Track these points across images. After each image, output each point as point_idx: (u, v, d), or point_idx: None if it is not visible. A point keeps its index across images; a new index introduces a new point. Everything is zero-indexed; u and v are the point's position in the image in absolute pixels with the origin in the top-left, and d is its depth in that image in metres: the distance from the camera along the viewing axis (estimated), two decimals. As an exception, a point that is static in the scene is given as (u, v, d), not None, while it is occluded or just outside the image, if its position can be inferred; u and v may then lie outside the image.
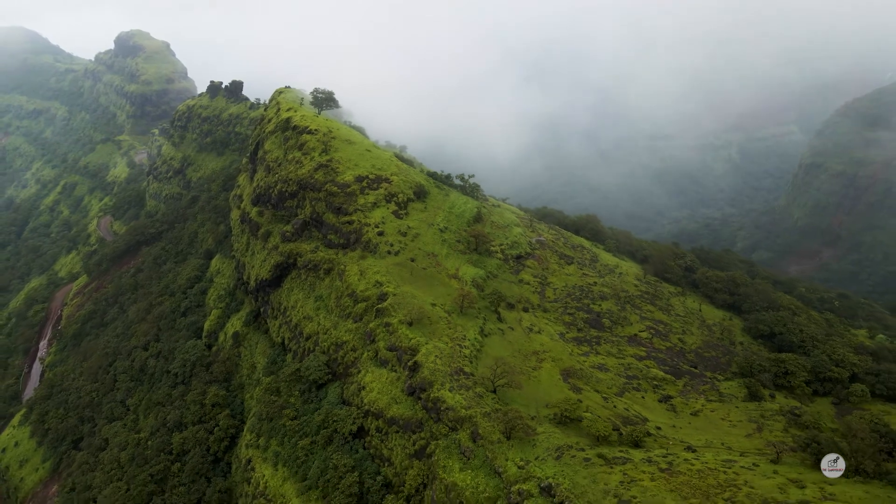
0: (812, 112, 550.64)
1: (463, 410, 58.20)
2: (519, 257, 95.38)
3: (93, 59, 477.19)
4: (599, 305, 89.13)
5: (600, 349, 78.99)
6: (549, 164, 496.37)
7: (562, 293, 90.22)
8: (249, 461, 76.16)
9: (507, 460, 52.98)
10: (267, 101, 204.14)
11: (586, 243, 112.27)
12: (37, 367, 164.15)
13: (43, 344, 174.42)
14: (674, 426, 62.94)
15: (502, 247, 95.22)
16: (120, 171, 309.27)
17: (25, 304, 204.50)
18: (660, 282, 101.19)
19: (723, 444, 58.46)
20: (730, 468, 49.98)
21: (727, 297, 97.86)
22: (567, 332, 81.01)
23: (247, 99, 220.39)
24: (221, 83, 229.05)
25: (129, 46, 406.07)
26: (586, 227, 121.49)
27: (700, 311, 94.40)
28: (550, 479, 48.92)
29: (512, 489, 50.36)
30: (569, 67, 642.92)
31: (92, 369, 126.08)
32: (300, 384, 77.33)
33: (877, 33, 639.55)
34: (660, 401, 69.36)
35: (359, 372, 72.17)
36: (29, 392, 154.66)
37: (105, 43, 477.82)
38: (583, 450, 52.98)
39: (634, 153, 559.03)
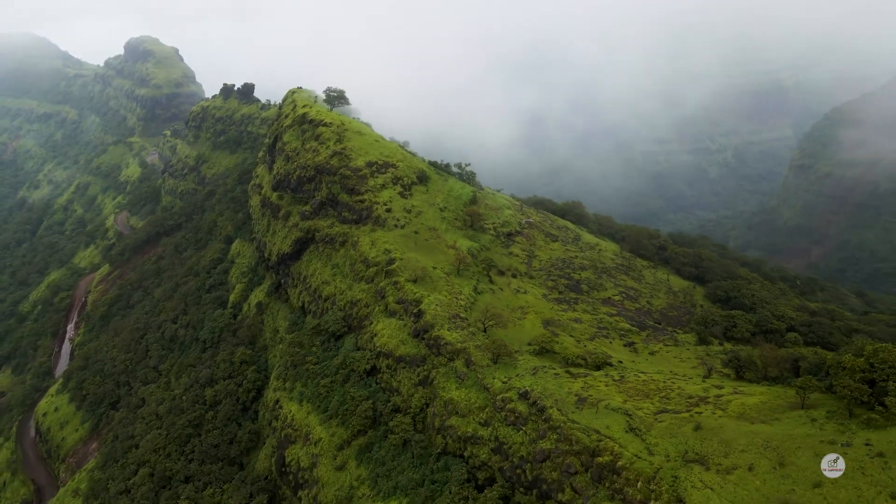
0: (807, 116, 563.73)
1: (459, 344, 71.31)
2: (509, 234, 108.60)
3: (102, 65, 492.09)
4: (579, 274, 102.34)
5: (577, 307, 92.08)
6: (547, 166, 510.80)
7: (546, 264, 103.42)
8: (277, 401, 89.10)
9: (493, 378, 66.07)
10: (276, 102, 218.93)
11: (571, 225, 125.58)
12: (66, 347, 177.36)
13: (70, 327, 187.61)
14: (633, 361, 75.97)
15: (495, 225, 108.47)
16: (132, 170, 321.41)
17: (51, 291, 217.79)
18: (634, 257, 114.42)
19: (671, 371, 71.48)
20: (668, 380, 63.11)
21: (693, 270, 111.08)
22: (549, 294, 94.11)
23: (258, 100, 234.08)
24: (234, 85, 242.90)
25: (139, 52, 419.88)
26: (571, 212, 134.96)
27: (668, 280, 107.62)
28: (527, 388, 62.03)
29: (497, 398, 63.48)
30: (558, 70, 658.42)
31: (124, 342, 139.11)
32: (320, 336, 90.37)
33: (868, 38, 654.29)
34: (624, 345, 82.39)
35: (371, 323, 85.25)
36: (60, 369, 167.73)
37: (109, 49, 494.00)
38: (554, 369, 66.13)
39: (630, 157, 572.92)
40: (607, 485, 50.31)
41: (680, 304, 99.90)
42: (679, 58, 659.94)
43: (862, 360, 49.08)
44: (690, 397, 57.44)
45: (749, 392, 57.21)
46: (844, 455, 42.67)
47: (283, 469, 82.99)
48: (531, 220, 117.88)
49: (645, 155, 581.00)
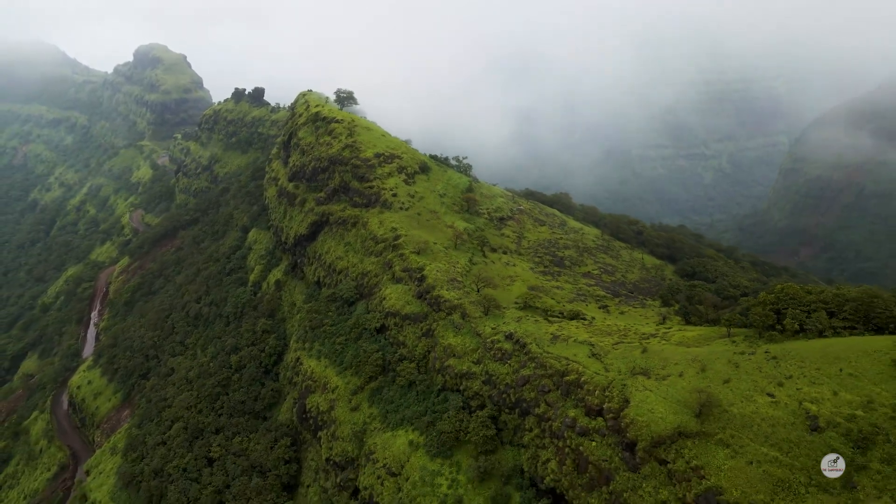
0: (799, 122, 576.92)
1: (456, 301, 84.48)
2: (501, 219, 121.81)
3: (111, 71, 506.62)
4: (563, 252, 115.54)
5: (560, 279, 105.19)
6: (543, 167, 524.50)
7: (534, 244, 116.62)
8: (298, 359, 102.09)
9: (484, 326, 79.19)
10: (282, 104, 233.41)
11: (558, 213, 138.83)
12: (91, 331, 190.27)
13: (94, 314, 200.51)
14: (604, 318, 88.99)
15: (488, 210, 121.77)
16: (144, 172, 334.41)
17: (72, 284, 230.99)
18: (613, 239, 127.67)
19: (634, 323, 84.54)
20: (629, 326, 76.23)
21: (665, 251, 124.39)
22: (535, 268, 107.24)
23: (268, 104, 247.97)
24: (245, 90, 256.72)
25: (148, 59, 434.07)
26: (559, 202, 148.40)
27: (642, 259, 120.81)
28: (512, 330, 75.19)
29: (487, 340, 76.62)
30: (556, 72, 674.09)
31: (151, 322, 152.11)
32: (335, 303, 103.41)
33: (858, 46, 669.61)
34: (599, 307, 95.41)
35: (380, 290, 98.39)
36: (87, 350, 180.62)
37: (111, 55, 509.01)
38: (535, 317, 79.30)
39: (627, 161, 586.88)
40: (573, 397, 63.31)
41: (651, 277, 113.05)
42: (674, 64, 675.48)
43: (772, 296, 62.27)
44: (644, 334, 70.59)
45: (691, 330, 70.38)
46: (748, 360, 55.82)
47: (304, 415, 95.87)
48: (522, 207, 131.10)
49: (641, 159, 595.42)
